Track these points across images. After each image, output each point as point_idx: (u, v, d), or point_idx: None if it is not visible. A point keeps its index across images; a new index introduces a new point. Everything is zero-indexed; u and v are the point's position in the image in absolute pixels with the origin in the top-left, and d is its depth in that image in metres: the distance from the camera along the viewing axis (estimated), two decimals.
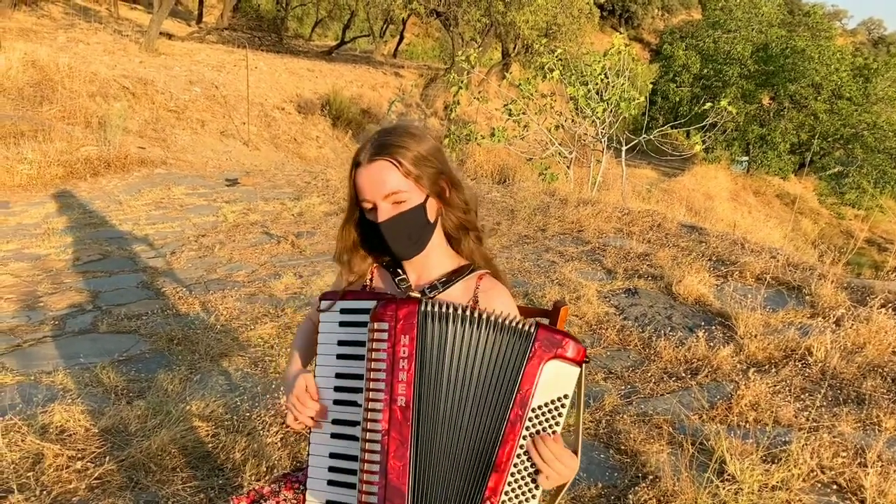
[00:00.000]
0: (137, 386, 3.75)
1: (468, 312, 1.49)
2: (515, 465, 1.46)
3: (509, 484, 1.46)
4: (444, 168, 1.67)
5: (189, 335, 4.45)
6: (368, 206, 1.61)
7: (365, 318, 1.56)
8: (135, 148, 11.75)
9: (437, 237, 1.71)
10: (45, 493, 2.75)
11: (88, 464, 2.97)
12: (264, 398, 3.59)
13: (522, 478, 1.47)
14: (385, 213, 1.59)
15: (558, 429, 1.47)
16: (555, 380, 1.45)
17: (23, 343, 4.35)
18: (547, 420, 1.46)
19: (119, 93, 13.72)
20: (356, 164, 1.63)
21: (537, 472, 1.47)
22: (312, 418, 1.61)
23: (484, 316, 1.48)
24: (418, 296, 1.60)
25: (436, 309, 1.49)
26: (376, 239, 1.65)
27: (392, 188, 1.58)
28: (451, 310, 1.49)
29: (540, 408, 1.46)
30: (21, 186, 9.13)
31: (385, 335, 1.50)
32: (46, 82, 12.48)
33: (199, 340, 4.35)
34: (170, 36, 21.07)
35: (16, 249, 6.52)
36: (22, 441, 3.05)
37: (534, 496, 1.49)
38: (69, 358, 4.12)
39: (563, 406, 1.46)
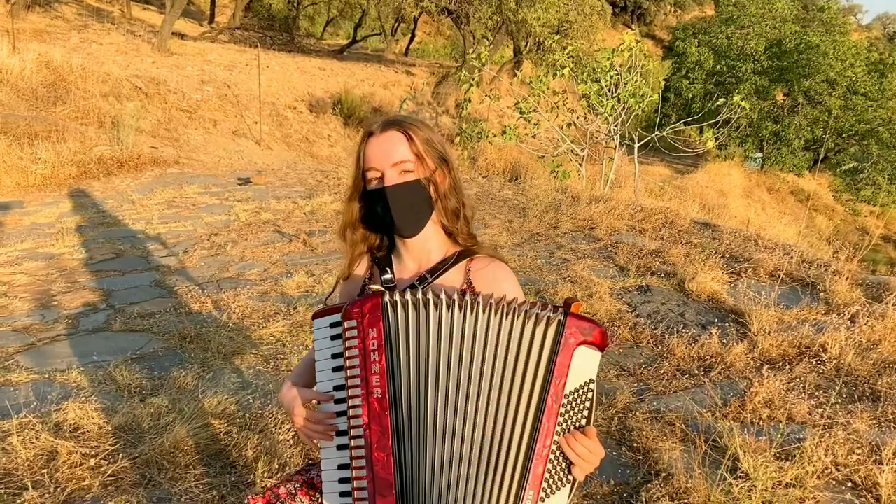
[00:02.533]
0: (150, 384, 3.77)
1: (445, 297, 1.49)
2: (553, 452, 1.46)
3: (548, 471, 1.46)
4: (446, 156, 1.73)
5: (201, 333, 4.46)
6: (376, 174, 1.67)
7: None
8: (147, 148, 11.82)
9: (435, 224, 1.74)
10: (59, 490, 2.77)
11: (102, 461, 2.98)
12: (276, 396, 3.59)
13: (560, 462, 1.48)
14: (391, 179, 1.65)
15: (587, 414, 1.48)
16: (583, 365, 1.46)
17: (37, 341, 4.38)
18: (579, 406, 1.47)
19: (132, 93, 13.80)
20: (368, 135, 1.70)
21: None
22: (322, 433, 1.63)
23: (479, 301, 1.48)
24: (380, 289, 1.61)
25: (403, 298, 1.51)
26: (377, 217, 1.71)
27: (401, 157, 1.65)
28: (420, 296, 1.50)
29: (572, 393, 1.46)
30: (35, 186, 9.20)
31: (355, 332, 1.52)
32: (60, 83, 12.56)
33: (211, 338, 4.37)
34: (182, 36, 21.17)
35: (30, 249, 6.56)
36: (36, 438, 3.07)
37: (569, 481, 1.50)
38: (83, 356, 4.14)
39: (590, 391, 1.47)
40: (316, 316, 1.67)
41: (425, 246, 1.74)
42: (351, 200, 1.76)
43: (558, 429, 1.46)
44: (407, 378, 1.49)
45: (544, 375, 1.45)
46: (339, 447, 1.61)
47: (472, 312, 1.48)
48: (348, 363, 1.52)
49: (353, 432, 1.51)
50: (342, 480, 1.60)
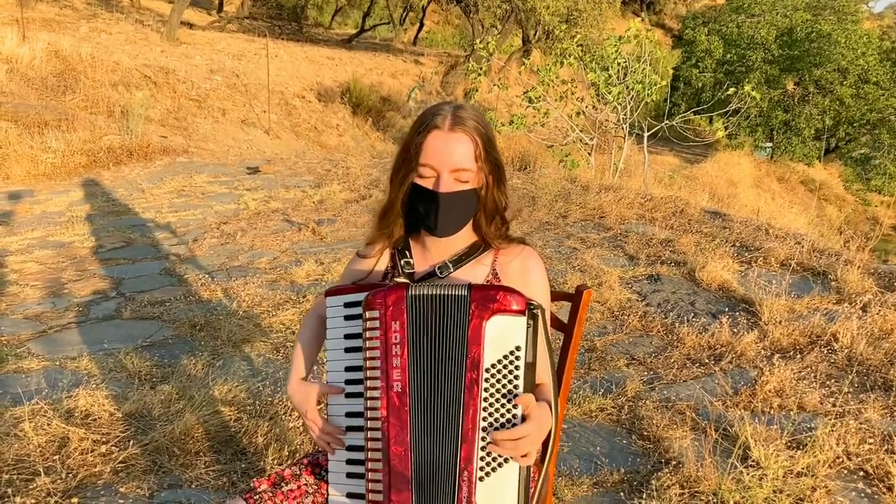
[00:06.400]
0: (161, 371, 3.78)
1: (439, 290, 1.48)
2: (485, 430, 1.44)
3: (483, 449, 1.45)
4: (500, 161, 1.68)
5: (211, 321, 4.47)
6: (431, 172, 1.60)
7: None
8: (157, 137, 11.84)
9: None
10: (70, 475, 2.78)
11: (113, 447, 3.00)
12: (286, 383, 3.60)
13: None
14: (447, 185, 1.59)
15: (519, 382, 1.44)
16: (502, 335, 1.44)
17: (48, 329, 4.40)
18: (504, 376, 1.45)
19: (141, 82, 13.81)
20: (433, 127, 1.60)
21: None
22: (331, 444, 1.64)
23: (442, 291, 1.48)
24: (406, 281, 1.58)
25: (423, 291, 1.49)
26: (416, 212, 1.67)
27: (463, 165, 1.59)
28: (433, 290, 1.48)
29: (494, 366, 1.45)
30: (45, 175, 9.22)
31: (377, 323, 1.49)
32: (69, 72, 12.59)
33: (221, 326, 4.38)
34: (190, 25, 21.18)
35: (41, 237, 6.59)
36: (48, 425, 3.09)
37: (509, 460, 1.46)
38: (93, 344, 4.16)
39: (517, 359, 1.45)
40: (329, 293, 1.65)
41: (452, 242, 1.71)
42: (396, 189, 1.68)
43: (485, 404, 1.44)
44: (421, 372, 1.48)
45: (461, 354, 1.45)
46: (349, 428, 1.61)
47: (447, 303, 1.48)
48: (368, 354, 1.50)
49: (370, 424, 1.50)
50: (350, 462, 1.60)
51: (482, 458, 1.45)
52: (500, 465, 1.46)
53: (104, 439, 3.05)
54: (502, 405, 1.45)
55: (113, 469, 2.87)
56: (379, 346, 1.49)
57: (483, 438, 1.45)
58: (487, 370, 1.44)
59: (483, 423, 1.44)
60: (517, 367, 1.45)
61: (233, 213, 7.64)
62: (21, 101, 10.90)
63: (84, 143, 10.12)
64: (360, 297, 1.58)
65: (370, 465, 1.50)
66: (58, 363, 3.85)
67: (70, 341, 4.20)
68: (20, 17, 14.07)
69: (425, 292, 1.49)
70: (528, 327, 1.45)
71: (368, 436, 1.50)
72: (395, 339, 1.48)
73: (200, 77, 15.47)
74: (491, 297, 1.44)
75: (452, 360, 1.46)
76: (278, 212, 7.63)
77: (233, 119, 14.96)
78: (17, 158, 9.25)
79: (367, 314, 1.51)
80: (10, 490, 2.65)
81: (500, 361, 1.45)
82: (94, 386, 3.53)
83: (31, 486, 2.69)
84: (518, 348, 1.45)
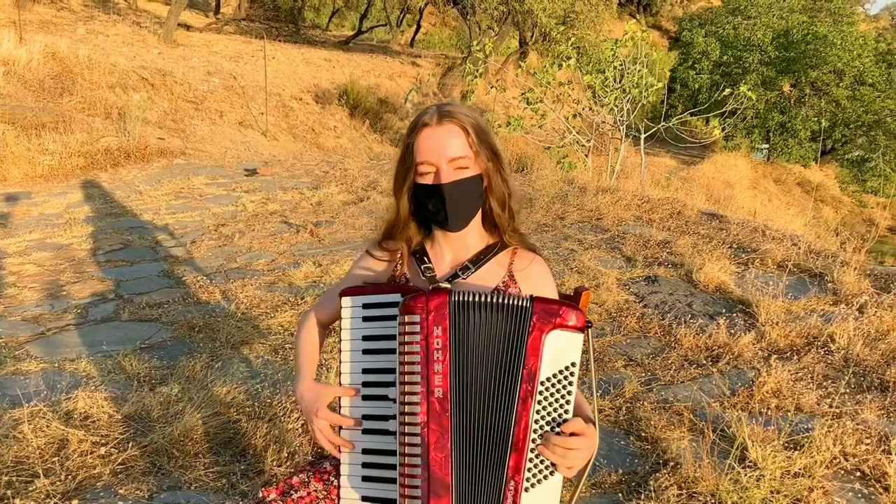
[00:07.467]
0: (159, 373, 3.78)
1: (490, 298, 1.48)
2: (534, 441, 1.46)
3: (531, 461, 1.46)
4: (496, 148, 1.69)
5: (210, 323, 4.48)
6: (430, 168, 1.62)
7: (390, 311, 1.56)
8: (154, 139, 11.83)
9: (477, 217, 1.72)
10: (70, 477, 2.78)
11: (112, 449, 3.00)
12: (285, 385, 3.61)
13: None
14: (448, 175, 1.60)
15: (571, 398, 1.46)
16: (559, 350, 1.45)
17: (47, 331, 4.40)
18: (558, 391, 1.46)
19: (138, 84, 13.81)
20: (422, 126, 1.63)
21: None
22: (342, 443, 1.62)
23: (496, 299, 1.48)
24: (448, 286, 1.57)
25: (466, 298, 1.49)
26: (425, 211, 1.68)
27: (459, 153, 1.61)
28: (479, 298, 1.48)
29: (549, 380, 1.46)
30: (43, 177, 9.23)
31: (417, 328, 1.48)
32: (66, 74, 12.58)
33: (219, 328, 4.38)
34: (188, 27, 21.17)
35: (38, 239, 6.59)
36: (47, 427, 3.09)
37: (555, 472, 1.48)
38: (92, 345, 4.16)
39: (571, 374, 1.46)
40: (345, 294, 1.64)
41: (465, 235, 1.71)
42: (401, 195, 1.70)
43: (537, 416, 1.45)
44: (463, 378, 1.48)
45: (515, 365, 1.45)
46: (365, 431, 1.59)
47: (492, 311, 1.48)
48: (406, 358, 1.49)
49: (407, 429, 1.49)
50: (366, 465, 1.59)
51: (529, 470, 1.46)
52: (545, 476, 1.47)
53: (103, 441, 3.05)
54: (553, 419, 1.46)
55: (112, 471, 2.87)
56: (419, 351, 1.48)
57: (532, 450, 1.45)
58: (542, 383, 1.45)
59: (534, 435, 1.45)
60: (571, 384, 1.46)
61: (231, 214, 7.64)
62: (18, 103, 10.89)
63: (81, 145, 10.12)
64: (380, 298, 1.58)
65: (406, 470, 1.49)
66: (56, 365, 3.85)
67: (69, 343, 4.21)
68: (17, 19, 14.06)
69: (473, 299, 1.48)
70: (583, 344, 1.46)
71: (406, 441, 1.49)
72: (437, 344, 1.47)
73: (198, 79, 15.47)
74: (554, 311, 1.45)
75: (504, 369, 1.46)
76: (276, 214, 7.63)
77: (230, 121, 14.97)
78: (15, 160, 9.25)
79: (406, 318, 1.50)
80: (9, 492, 2.65)
81: (554, 376, 1.46)
82: (92, 388, 3.53)
83: (30, 488, 2.69)
84: (573, 364, 1.46)
